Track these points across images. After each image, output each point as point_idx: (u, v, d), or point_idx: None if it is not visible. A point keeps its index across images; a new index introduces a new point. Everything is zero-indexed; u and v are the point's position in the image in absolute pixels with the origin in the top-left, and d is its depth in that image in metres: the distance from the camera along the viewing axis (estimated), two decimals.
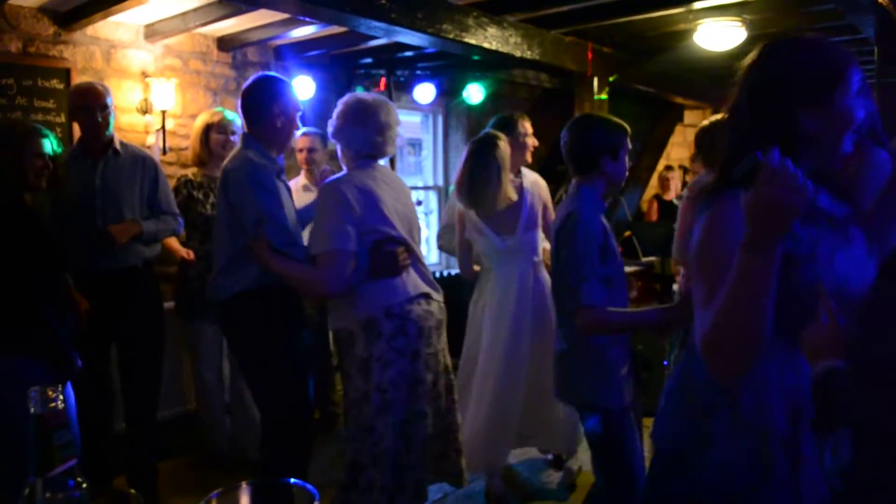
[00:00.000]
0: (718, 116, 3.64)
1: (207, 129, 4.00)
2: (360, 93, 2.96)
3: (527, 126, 3.80)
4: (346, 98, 2.89)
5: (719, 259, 1.46)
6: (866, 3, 3.54)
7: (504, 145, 3.46)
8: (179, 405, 4.51)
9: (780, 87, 1.53)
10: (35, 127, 2.96)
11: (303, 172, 4.40)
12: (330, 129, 2.89)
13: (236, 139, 3.95)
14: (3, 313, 2.57)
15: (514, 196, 3.50)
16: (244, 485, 0.78)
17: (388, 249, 2.75)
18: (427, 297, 2.86)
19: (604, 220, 2.57)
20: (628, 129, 2.65)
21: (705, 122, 3.63)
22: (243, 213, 2.76)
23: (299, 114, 2.98)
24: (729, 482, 1.56)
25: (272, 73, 3.07)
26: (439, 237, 4.18)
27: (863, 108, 1.51)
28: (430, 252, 7.08)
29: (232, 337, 3.05)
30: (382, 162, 2.98)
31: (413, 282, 2.83)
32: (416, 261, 2.89)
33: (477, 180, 3.41)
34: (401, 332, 2.74)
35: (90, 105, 3.40)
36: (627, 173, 2.71)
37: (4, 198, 2.69)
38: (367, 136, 2.82)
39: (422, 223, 6.59)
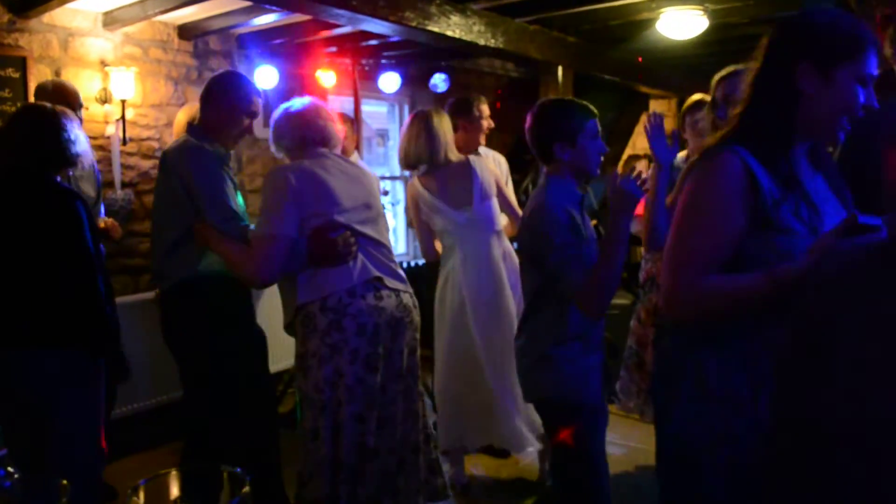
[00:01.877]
0: (699, 96, 3.54)
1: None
2: (287, 105, 2.89)
3: (483, 108, 3.89)
4: (274, 114, 2.89)
5: (708, 213, 1.62)
6: None
7: (438, 117, 3.58)
8: (163, 393, 4.45)
9: (786, 39, 1.65)
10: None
11: None
12: (271, 147, 2.92)
13: None
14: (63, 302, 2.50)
15: (457, 155, 3.57)
16: (174, 471, 0.77)
17: (330, 236, 2.62)
18: (378, 286, 2.67)
19: (572, 213, 2.42)
20: (592, 111, 2.50)
21: (697, 97, 3.58)
22: (186, 192, 2.74)
23: (252, 118, 2.95)
24: (687, 443, 1.66)
25: (238, 72, 3.15)
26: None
27: (863, 97, 1.59)
28: (397, 243, 7.06)
29: (171, 329, 2.94)
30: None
31: (360, 269, 2.65)
32: (374, 248, 2.74)
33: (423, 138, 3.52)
34: (335, 328, 2.58)
35: (73, 104, 3.45)
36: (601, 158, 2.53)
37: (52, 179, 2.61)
38: (303, 133, 2.79)
39: (388, 214, 6.60)
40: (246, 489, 0.67)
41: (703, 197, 1.65)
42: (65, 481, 0.79)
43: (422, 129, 3.53)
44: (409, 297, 2.78)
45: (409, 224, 4.24)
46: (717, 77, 2.79)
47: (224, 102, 2.90)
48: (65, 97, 3.48)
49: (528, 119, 2.54)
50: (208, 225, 2.72)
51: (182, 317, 2.88)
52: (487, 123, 3.90)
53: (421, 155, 3.55)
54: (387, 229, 2.91)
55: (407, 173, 6.97)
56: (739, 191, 1.58)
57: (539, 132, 2.50)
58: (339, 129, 2.90)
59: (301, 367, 2.67)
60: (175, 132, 4.07)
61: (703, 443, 1.63)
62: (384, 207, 2.97)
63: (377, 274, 2.67)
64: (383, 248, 2.78)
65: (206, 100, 2.94)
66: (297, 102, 2.86)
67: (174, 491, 0.72)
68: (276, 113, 2.87)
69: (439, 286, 3.72)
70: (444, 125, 3.57)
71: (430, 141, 3.51)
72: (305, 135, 2.78)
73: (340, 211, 2.67)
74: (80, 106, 3.57)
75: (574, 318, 2.42)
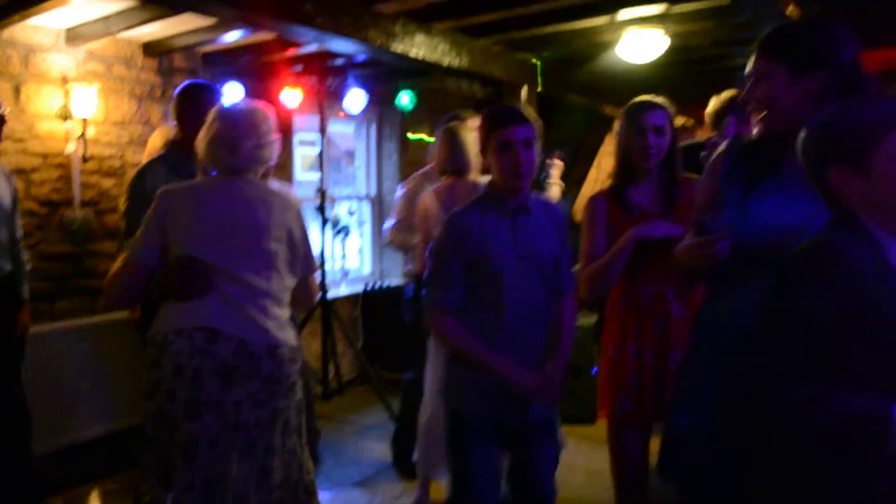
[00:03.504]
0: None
1: None
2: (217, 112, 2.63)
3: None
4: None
5: None
6: (778, 14, 3.66)
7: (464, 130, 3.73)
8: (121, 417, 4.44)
9: None
10: None
11: None
12: None
13: None
14: None
15: (477, 174, 3.66)
16: (95, 488, 0.76)
17: (173, 270, 2.44)
18: (212, 333, 2.40)
19: (486, 224, 2.37)
20: (505, 119, 2.36)
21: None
22: None
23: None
24: None
25: (201, 81, 3.16)
26: (392, 233, 4.16)
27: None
28: (363, 265, 7.04)
29: None
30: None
31: (197, 313, 2.42)
32: (235, 291, 2.46)
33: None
34: (156, 365, 2.41)
35: None
36: (520, 169, 2.34)
37: None
38: (210, 150, 2.56)
39: (353, 234, 6.56)
40: None
41: None
42: None
43: (447, 139, 3.68)
44: (262, 347, 2.46)
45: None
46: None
47: (185, 114, 2.95)
48: None
49: None
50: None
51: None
52: None
53: (445, 164, 3.69)
54: (288, 268, 2.60)
55: (374, 193, 7.00)
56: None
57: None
58: (273, 144, 2.63)
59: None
60: (149, 150, 4.02)
61: None
62: (293, 242, 2.62)
63: (208, 325, 2.41)
64: (253, 289, 2.49)
65: (181, 117, 3.03)
66: (222, 115, 2.60)
67: None
68: (209, 118, 2.62)
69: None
70: (469, 138, 3.66)
71: (454, 152, 3.66)
72: (219, 155, 2.56)
73: (201, 245, 2.46)
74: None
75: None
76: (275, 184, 2.72)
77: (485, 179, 3.65)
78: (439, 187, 3.68)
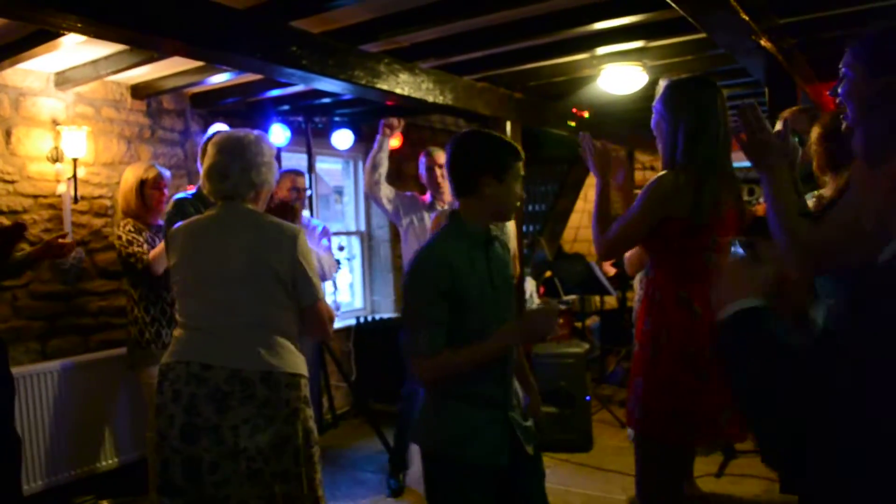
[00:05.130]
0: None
1: (142, 184, 4.13)
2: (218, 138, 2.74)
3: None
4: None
5: None
6: (752, 46, 3.75)
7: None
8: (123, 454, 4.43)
9: None
10: None
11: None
12: None
13: (167, 191, 4.20)
14: None
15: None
16: None
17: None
18: (203, 365, 2.49)
19: (463, 257, 2.23)
20: (520, 152, 2.30)
21: None
22: None
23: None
24: None
25: (228, 129, 3.36)
26: None
27: None
28: (354, 298, 7.07)
29: None
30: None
31: (193, 348, 2.54)
32: (230, 326, 2.54)
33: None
34: (159, 390, 2.54)
35: None
36: (518, 204, 2.33)
37: None
38: (205, 181, 2.68)
39: (343, 269, 6.61)
40: None
41: None
42: None
43: None
44: (255, 374, 2.49)
45: None
46: None
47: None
48: None
49: (451, 147, 2.33)
50: None
51: None
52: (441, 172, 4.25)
53: None
54: (286, 296, 2.60)
55: (363, 228, 7.06)
56: None
57: (466, 160, 2.30)
58: (264, 166, 2.68)
59: None
60: (127, 193, 4.15)
61: None
62: (291, 270, 2.59)
63: (196, 359, 2.51)
64: (245, 318, 2.54)
65: (202, 159, 3.32)
66: (212, 145, 2.70)
67: None
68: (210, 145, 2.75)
69: None
70: None
71: None
72: (210, 185, 2.67)
73: (195, 280, 2.61)
74: None
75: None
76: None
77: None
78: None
